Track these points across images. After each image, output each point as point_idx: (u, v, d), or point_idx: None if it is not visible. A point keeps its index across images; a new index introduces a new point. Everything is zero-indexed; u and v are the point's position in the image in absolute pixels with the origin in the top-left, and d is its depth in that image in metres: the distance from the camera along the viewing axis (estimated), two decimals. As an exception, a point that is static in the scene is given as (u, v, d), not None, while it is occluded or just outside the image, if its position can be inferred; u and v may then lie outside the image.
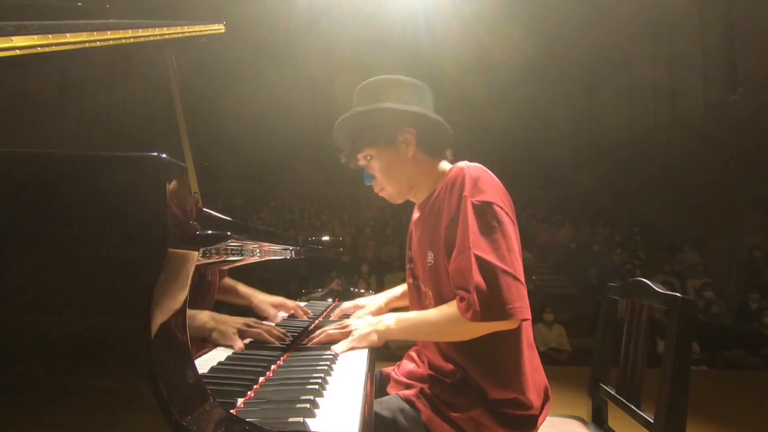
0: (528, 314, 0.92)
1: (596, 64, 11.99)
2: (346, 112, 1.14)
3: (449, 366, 1.04)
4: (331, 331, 1.09)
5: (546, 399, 1.04)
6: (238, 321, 1.07)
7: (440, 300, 1.04)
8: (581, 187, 11.95)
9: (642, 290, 1.17)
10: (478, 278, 0.90)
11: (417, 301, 1.18)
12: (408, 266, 1.24)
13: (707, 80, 8.71)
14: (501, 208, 0.98)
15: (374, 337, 1.04)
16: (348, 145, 1.16)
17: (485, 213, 0.96)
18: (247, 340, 1.05)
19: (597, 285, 7.11)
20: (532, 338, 1.07)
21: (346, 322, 1.14)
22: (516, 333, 0.99)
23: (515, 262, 0.94)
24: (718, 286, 6.91)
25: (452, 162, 1.16)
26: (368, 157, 1.14)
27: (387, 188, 1.16)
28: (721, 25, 8.44)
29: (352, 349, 1.03)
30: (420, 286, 1.16)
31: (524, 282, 0.94)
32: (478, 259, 0.92)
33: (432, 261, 1.06)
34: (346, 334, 1.06)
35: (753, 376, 4.69)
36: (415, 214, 1.22)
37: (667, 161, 9.36)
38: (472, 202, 0.97)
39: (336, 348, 1.02)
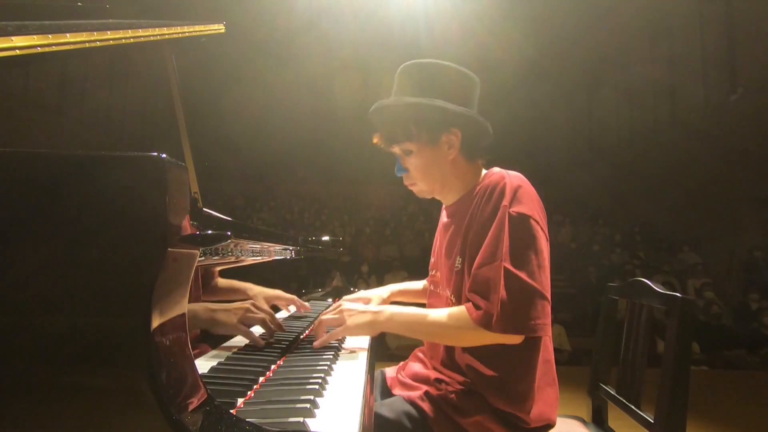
0: (548, 331, 0.92)
1: (596, 64, 11.98)
2: (389, 94, 1.05)
3: (455, 371, 1.02)
4: (325, 318, 1.02)
5: (551, 416, 1.00)
6: (239, 307, 1.03)
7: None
8: (581, 187, 11.94)
9: (642, 290, 1.17)
10: (503, 291, 0.88)
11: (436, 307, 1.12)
12: (431, 273, 1.20)
13: (707, 80, 8.70)
14: (537, 222, 0.95)
15: (369, 328, 0.99)
16: (386, 130, 1.08)
17: (521, 226, 0.93)
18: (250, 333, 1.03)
19: (597, 285, 7.11)
20: (552, 353, 1.04)
21: (340, 301, 1.09)
22: (532, 347, 0.96)
23: (544, 280, 0.92)
24: (718, 286, 6.90)
25: (486, 166, 1.11)
26: (406, 151, 1.06)
27: (419, 185, 1.09)
28: (721, 25, 8.43)
29: (341, 334, 0.99)
30: (440, 293, 1.12)
31: (550, 300, 0.93)
32: (507, 272, 0.89)
33: (459, 266, 1.03)
34: (341, 321, 1.00)
35: (753, 376, 4.68)
36: (443, 218, 1.18)
37: (667, 161, 9.35)
38: (510, 213, 0.94)
39: (330, 335, 0.99)
